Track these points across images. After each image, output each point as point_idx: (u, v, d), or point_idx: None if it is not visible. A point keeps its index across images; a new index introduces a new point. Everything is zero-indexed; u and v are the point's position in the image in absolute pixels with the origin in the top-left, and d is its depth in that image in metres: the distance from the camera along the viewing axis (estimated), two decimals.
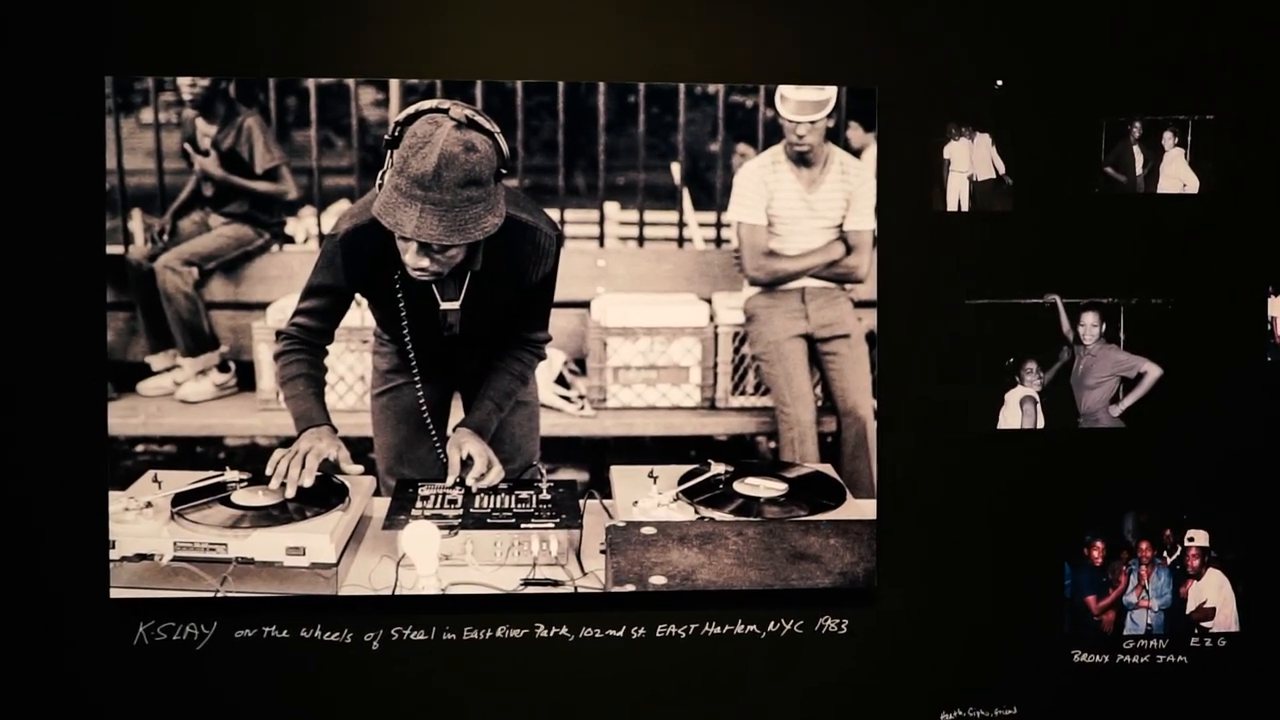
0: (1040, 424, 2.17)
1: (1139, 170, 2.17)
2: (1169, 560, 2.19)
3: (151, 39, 2.05)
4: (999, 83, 2.15)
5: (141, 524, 2.01)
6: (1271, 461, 2.20)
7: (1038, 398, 2.17)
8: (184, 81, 2.07)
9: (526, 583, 2.06)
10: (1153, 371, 2.17)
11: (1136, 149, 2.17)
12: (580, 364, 2.24)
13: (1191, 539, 2.18)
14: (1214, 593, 2.18)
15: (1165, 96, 2.16)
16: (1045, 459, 2.17)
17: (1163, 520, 2.19)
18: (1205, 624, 2.19)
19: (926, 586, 2.17)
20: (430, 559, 2.05)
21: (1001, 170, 2.15)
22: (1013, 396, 2.17)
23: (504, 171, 2.01)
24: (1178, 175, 2.17)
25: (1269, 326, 2.19)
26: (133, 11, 2.04)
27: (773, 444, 2.23)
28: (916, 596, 2.17)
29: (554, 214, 2.14)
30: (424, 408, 2.18)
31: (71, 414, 2.05)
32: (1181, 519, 2.19)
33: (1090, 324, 2.17)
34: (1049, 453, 2.17)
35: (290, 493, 2.06)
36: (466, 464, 2.14)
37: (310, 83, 2.08)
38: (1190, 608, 2.18)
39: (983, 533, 2.18)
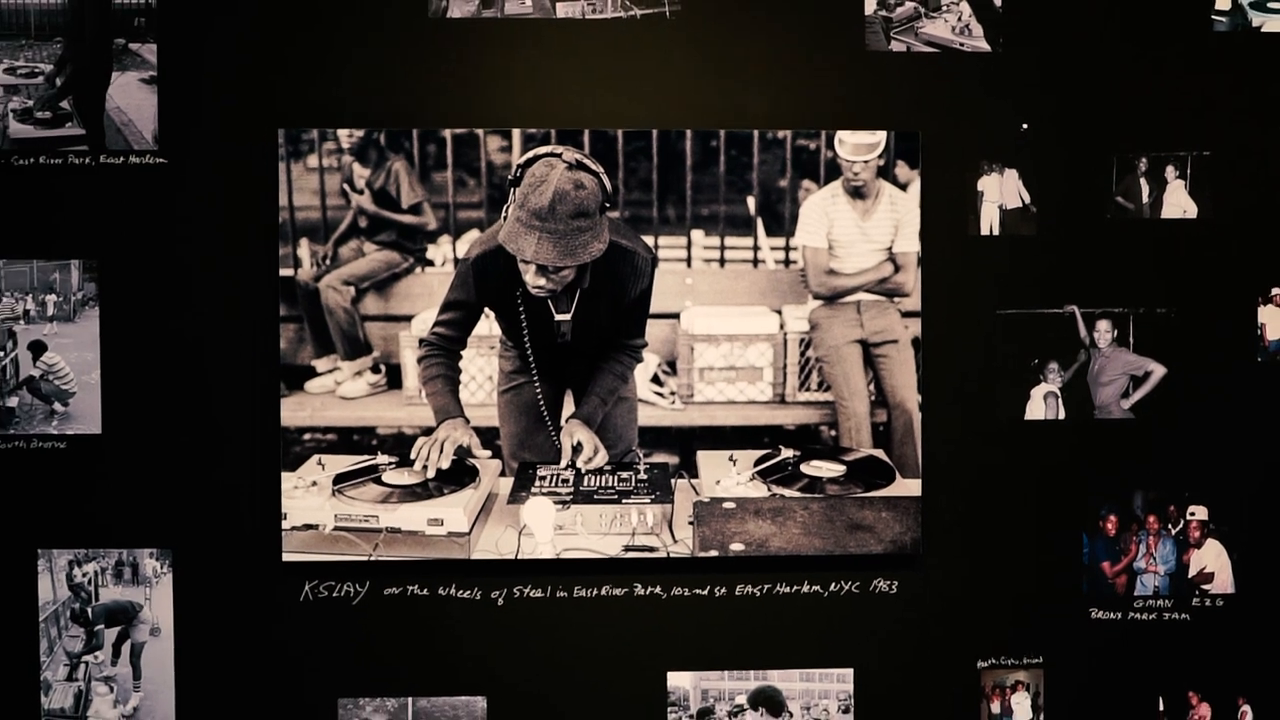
0: (1061, 415, 2.17)
1: (1145, 199, 2.17)
2: (1173, 532, 2.18)
3: (316, 98, 2.11)
4: (1024, 126, 2.16)
5: (308, 499, 2.07)
6: (1261, 447, 2.20)
7: (1059, 393, 2.17)
8: (343, 133, 2.11)
9: (627, 549, 2.08)
10: (1158, 371, 2.17)
11: (1143, 181, 2.17)
12: (672, 365, 2.22)
13: (1193, 513, 2.18)
14: (1213, 560, 2.18)
15: (1168, 135, 2.17)
16: (1065, 445, 2.18)
17: (1167, 497, 2.18)
18: (1205, 586, 2.18)
19: (964, 553, 2.17)
20: (546, 529, 2.08)
21: (1027, 200, 2.16)
22: (1037, 392, 2.17)
23: (608, 205, 2.04)
24: (1179, 203, 2.17)
25: (1258, 332, 2.19)
26: (301, 76, 2.10)
27: (833, 432, 2.22)
28: (956, 562, 2.17)
29: (649, 240, 2.15)
30: (541, 402, 2.20)
31: (251, 408, 2.11)
32: (1184, 496, 2.19)
33: (1104, 330, 2.17)
34: (1069, 440, 2.18)
35: (431, 473, 2.10)
36: (577, 449, 2.16)
37: (447, 133, 2.11)
38: (1192, 572, 2.18)
39: (1012, 507, 2.18)
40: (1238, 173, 2.18)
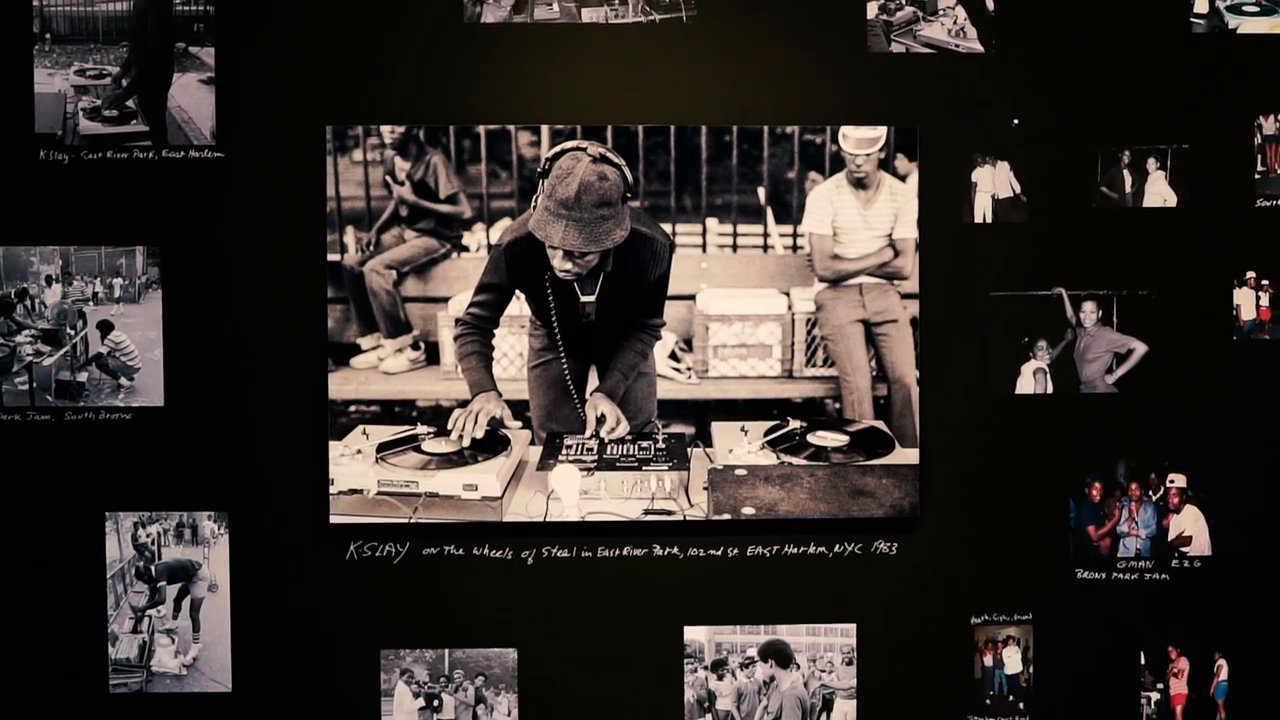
0: (1050, 390, 2.17)
1: (1128, 189, 2.17)
2: (1154, 498, 2.19)
3: (361, 97, 2.12)
4: (1015, 121, 2.16)
5: (353, 466, 2.09)
6: (1236, 419, 2.19)
7: (1047, 369, 2.17)
8: (385, 129, 2.11)
9: (646, 512, 2.10)
10: (1140, 348, 2.18)
11: (1126, 172, 2.17)
12: (688, 343, 2.21)
13: (1172, 481, 2.18)
14: (1190, 524, 2.19)
15: (1149, 130, 2.17)
16: (1054, 417, 2.18)
17: (1149, 466, 2.19)
18: (1183, 549, 2.19)
19: (959, 517, 2.18)
20: (573, 493, 2.10)
21: (1018, 190, 2.16)
22: (1027, 368, 2.17)
23: (629, 195, 2.06)
24: (1159, 193, 2.17)
25: (1233, 313, 2.19)
26: (347, 77, 2.11)
27: (837, 405, 2.20)
28: (951, 525, 2.18)
29: (667, 227, 2.14)
30: (568, 377, 2.20)
31: (301, 382, 2.12)
32: (1164, 465, 2.19)
33: (1089, 311, 2.17)
34: (1056, 412, 2.18)
35: (466, 442, 2.12)
36: (600, 420, 2.16)
37: (481, 129, 2.11)
38: (1171, 536, 2.19)
39: (1004, 475, 2.18)
40: (1214, 164, 2.18)
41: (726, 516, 2.11)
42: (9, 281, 2.11)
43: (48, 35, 2.11)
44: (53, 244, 2.11)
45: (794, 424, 2.19)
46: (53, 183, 2.11)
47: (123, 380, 2.12)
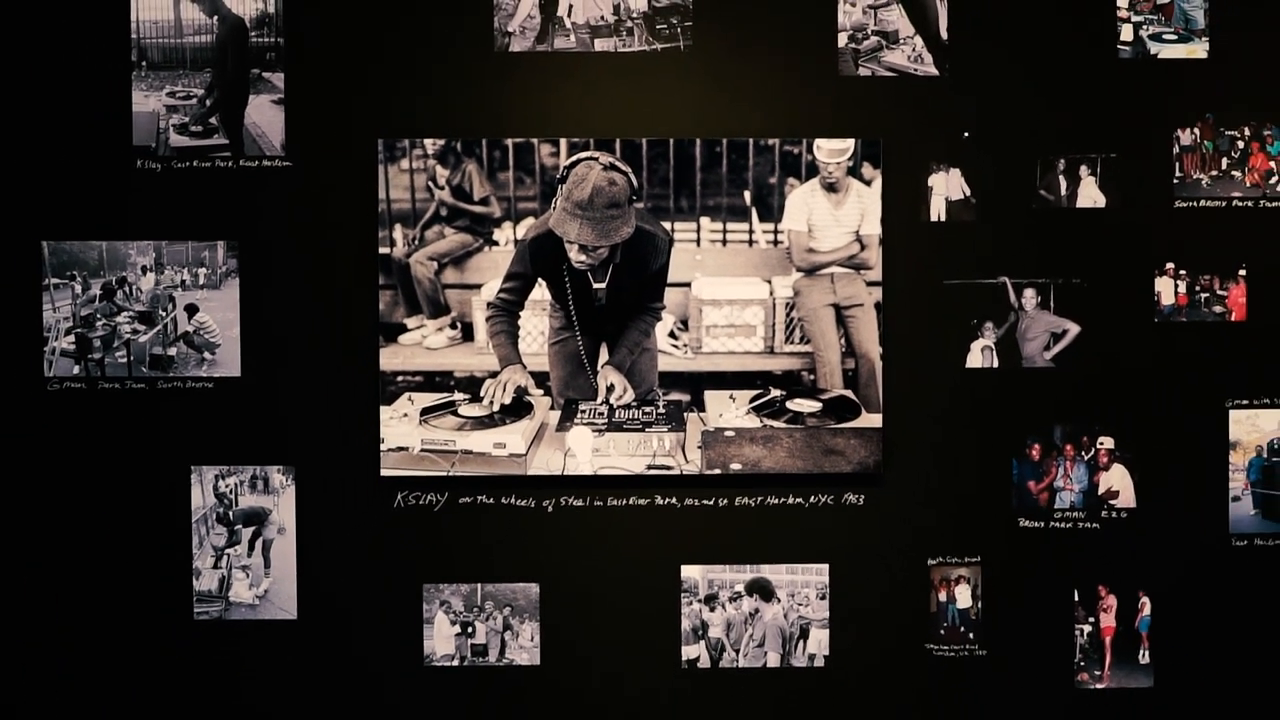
0: (995, 364, 2.25)
1: (1063, 192, 2.24)
2: (1086, 458, 2.26)
3: (408, 115, 2.20)
4: (966, 134, 2.24)
5: (401, 427, 2.17)
6: (1157, 390, 2.26)
7: (993, 346, 2.25)
8: (428, 141, 2.19)
9: (649, 467, 2.18)
10: (1073, 329, 2.25)
11: (1061, 178, 2.24)
12: (684, 323, 2.26)
13: (1102, 443, 2.26)
14: (1118, 480, 2.27)
15: (1081, 141, 2.24)
16: (999, 388, 2.25)
17: (1081, 430, 2.26)
18: (1112, 502, 2.27)
19: (917, 473, 2.26)
20: (586, 451, 2.18)
21: (968, 193, 2.23)
22: (976, 345, 2.25)
23: (635, 197, 2.14)
24: (1090, 196, 2.25)
25: (1154, 299, 2.26)
26: (396, 97, 2.20)
27: (812, 377, 2.26)
28: (910, 480, 2.26)
29: (667, 225, 2.20)
30: (582, 352, 2.27)
31: (356, 356, 2.21)
32: (1095, 429, 2.26)
33: (1030, 297, 2.24)
34: (1001, 383, 2.25)
35: (496, 407, 2.21)
36: (610, 389, 2.24)
37: (509, 141, 2.19)
38: (1101, 490, 2.27)
39: (955, 437, 2.25)
40: (1138, 171, 2.25)
41: (717, 471, 2.19)
42: (111, 271, 2.22)
43: (144, 63, 2.22)
44: (147, 239, 2.22)
45: (775, 393, 2.25)
46: (147, 187, 2.22)
47: (206, 354, 2.22)
